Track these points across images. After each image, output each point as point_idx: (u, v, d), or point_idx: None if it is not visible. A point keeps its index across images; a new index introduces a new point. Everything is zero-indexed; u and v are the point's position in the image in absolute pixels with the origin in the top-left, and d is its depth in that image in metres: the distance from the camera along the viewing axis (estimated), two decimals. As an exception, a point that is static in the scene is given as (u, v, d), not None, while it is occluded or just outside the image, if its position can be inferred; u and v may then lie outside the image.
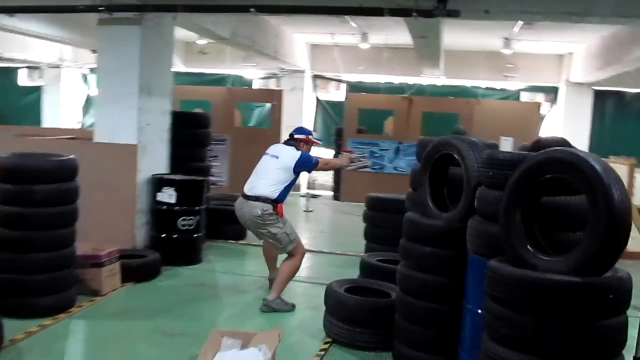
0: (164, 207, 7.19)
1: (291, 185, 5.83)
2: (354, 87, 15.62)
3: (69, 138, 8.30)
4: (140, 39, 7.05)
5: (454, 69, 14.63)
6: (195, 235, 7.35)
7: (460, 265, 4.13)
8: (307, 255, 7.66)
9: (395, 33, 12.63)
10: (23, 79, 17.61)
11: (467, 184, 4.23)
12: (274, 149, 6.06)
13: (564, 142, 4.93)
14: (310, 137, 6.13)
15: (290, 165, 5.73)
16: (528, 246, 3.19)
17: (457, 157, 4.36)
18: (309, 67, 15.43)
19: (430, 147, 4.62)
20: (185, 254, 7.28)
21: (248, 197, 5.70)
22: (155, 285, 6.41)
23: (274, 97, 13.80)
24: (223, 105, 13.99)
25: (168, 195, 7.16)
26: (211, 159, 12.35)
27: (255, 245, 8.56)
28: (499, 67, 14.60)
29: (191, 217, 7.25)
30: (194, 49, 16.01)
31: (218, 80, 15.89)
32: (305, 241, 9.21)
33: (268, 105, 15.08)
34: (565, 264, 2.99)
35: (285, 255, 6.03)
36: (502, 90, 15.48)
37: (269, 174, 5.74)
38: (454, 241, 4.21)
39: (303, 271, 7.18)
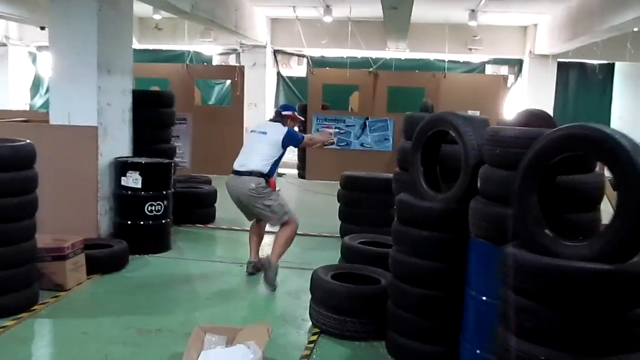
0: (129, 192, 6.74)
1: (279, 160, 6.01)
2: (316, 62, 15.24)
3: (22, 121, 7.74)
4: (97, 13, 6.53)
5: (418, 42, 14.39)
6: (163, 221, 6.93)
7: (459, 249, 3.88)
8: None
9: (359, 5, 12.31)
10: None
11: (466, 163, 3.97)
12: (260, 126, 6.28)
13: (549, 117, 4.75)
14: (295, 114, 6.33)
15: (278, 140, 5.91)
16: (547, 231, 2.94)
17: (453, 134, 4.09)
18: (269, 42, 14.96)
19: (422, 124, 4.33)
20: (153, 241, 6.87)
21: (240, 173, 5.82)
22: (123, 277, 6.00)
23: (235, 73, 13.33)
24: (181, 83, 13.46)
25: (133, 180, 6.72)
26: (172, 138, 11.96)
27: (224, 229, 8.23)
28: (464, 40, 14.43)
29: (159, 203, 6.83)
30: (148, 25, 15.37)
31: (175, 57, 15.31)
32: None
33: (228, 82, 14.62)
34: (589, 249, 2.76)
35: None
36: (465, 63, 15.34)
37: (258, 149, 5.88)
38: (452, 224, 3.96)
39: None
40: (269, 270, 5.79)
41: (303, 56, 15.63)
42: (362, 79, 13.37)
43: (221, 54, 15.85)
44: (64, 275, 5.46)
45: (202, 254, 7.06)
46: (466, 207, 3.76)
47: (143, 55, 15.85)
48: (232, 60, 15.61)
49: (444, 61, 14.62)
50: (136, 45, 15.47)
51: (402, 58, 15.18)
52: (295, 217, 6.06)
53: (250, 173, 5.77)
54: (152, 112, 7.69)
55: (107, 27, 6.74)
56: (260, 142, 5.93)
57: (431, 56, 15.13)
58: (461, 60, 15.24)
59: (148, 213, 6.76)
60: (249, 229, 6.48)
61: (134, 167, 6.73)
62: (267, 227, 6.47)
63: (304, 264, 6.65)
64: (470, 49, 14.50)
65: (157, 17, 13.62)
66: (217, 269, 6.50)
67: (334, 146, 13.43)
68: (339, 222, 7.88)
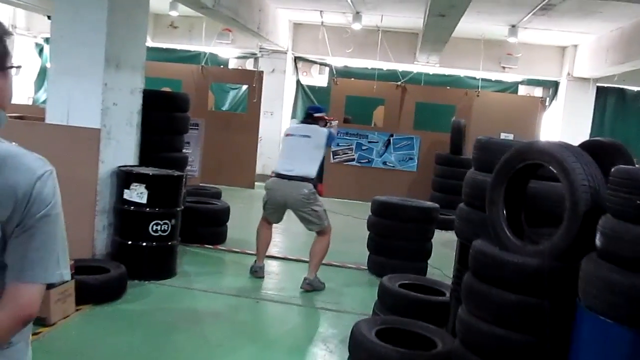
0: (132, 207, 5.81)
1: (323, 162, 6.33)
2: (339, 72, 14.33)
3: (15, 117, 6.83)
4: (108, 0, 5.64)
5: (450, 57, 13.45)
6: (169, 244, 6.00)
7: (559, 321, 2.97)
8: (300, 268, 6.54)
9: (393, 13, 11.44)
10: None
11: (573, 208, 3.03)
12: (299, 129, 6.24)
13: (621, 147, 3.84)
14: (325, 115, 6.49)
15: (323, 142, 6.06)
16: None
17: (555, 170, 3.16)
18: (291, 48, 14.08)
19: (510, 154, 3.39)
20: (156, 266, 5.94)
21: (291, 178, 5.85)
22: (119, 310, 5.05)
23: (254, 79, 12.44)
24: (195, 86, 12.60)
25: (138, 194, 5.79)
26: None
27: (235, 252, 7.30)
28: (497, 58, 13.51)
29: (166, 222, 5.90)
30: (164, 22, 14.52)
31: (189, 57, 14.42)
32: (293, 245, 8.05)
33: (244, 87, 13.73)
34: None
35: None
36: (498, 82, 14.41)
37: (306, 154, 5.95)
38: (551, 287, 3.03)
39: (297, 291, 5.99)
40: (313, 284, 5.98)
41: (325, 65, 14.74)
42: (388, 93, 12.48)
43: (238, 57, 14.95)
44: (47, 307, 4.53)
45: (211, 283, 6.12)
46: (571, 267, 2.86)
47: (156, 54, 14.92)
48: (249, 65, 14.72)
49: (475, 78, 13.71)
50: (149, 42, 14.63)
51: (432, 73, 14.27)
52: (330, 225, 6.12)
53: (302, 178, 5.83)
54: (163, 116, 6.78)
55: (119, 16, 5.85)
56: (306, 146, 5.97)
57: (462, 72, 14.21)
58: (493, 79, 14.32)
59: (152, 233, 5.83)
60: (258, 231, 6.32)
61: (140, 178, 5.81)
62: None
63: (332, 302, 5.77)
64: (504, 67, 13.59)
65: (173, 14, 12.76)
66: (229, 303, 5.56)
67: (354, 162, 12.65)
68: (365, 252, 6.96)
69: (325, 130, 6.15)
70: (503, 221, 3.42)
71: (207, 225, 7.45)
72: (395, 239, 6.63)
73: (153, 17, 14.42)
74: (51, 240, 1.55)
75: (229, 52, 14.81)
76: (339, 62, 14.48)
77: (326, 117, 6.47)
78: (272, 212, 6.18)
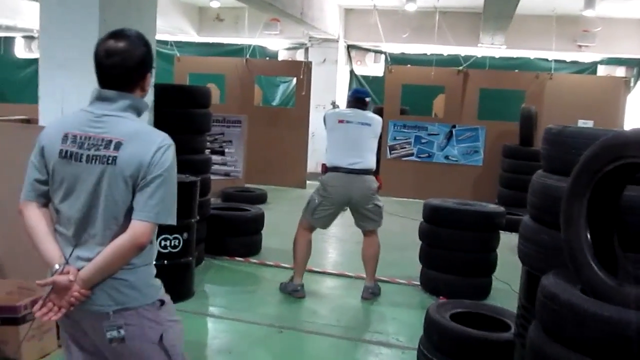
0: (138, 220, 5.01)
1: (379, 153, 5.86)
2: (395, 60, 13.24)
3: (22, 120, 6.14)
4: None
5: (518, 37, 12.13)
6: (182, 261, 5.16)
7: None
8: (340, 283, 5.61)
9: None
10: (20, 50, 15.63)
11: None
12: (356, 115, 5.49)
13: None
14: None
15: (379, 130, 5.61)
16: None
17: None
18: (342, 36, 13.07)
19: (596, 149, 2.31)
20: (167, 287, 5.09)
21: (358, 172, 5.31)
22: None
23: (301, 70, 11.51)
24: (240, 80, 11.81)
25: (142, 205, 4.97)
26: (224, 144, 10.29)
27: (269, 265, 6.40)
28: (572, 35, 12.06)
29: (176, 236, 5.06)
30: (208, 15, 13.82)
31: (237, 51, 13.65)
32: (339, 259, 7.10)
33: (295, 80, 12.85)
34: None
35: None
36: (573, 63, 12.94)
37: (368, 144, 5.44)
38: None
39: (332, 317, 5.04)
40: (375, 291, 5.56)
41: (381, 52, 13.66)
42: (448, 80, 11.27)
43: (288, 48, 14.09)
44: (15, 345, 3.76)
45: (235, 307, 5.20)
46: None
47: (202, 49, 14.36)
48: (299, 56, 13.82)
49: (547, 60, 12.31)
50: (195, 37, 14.05)
51: (497, 56, 12.96)
52: None
53: (367, 171, 5.37)
54: (180, 114, 5.92)
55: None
56: (367, 135, 5.43)
57: (532, 54, 12.83)
58: (568, 60, 12.86)
59: (161, 250, 4.99)
60: (296, 242, 5.51)
61: (144, 187, 4.99)
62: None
63: (376, 332, 4.80)
64: (580, 46, 12.13)
65: (214, 5, 12.01)
66: (255, 335, 4.63)
67: (413, 157, 11.55)
68: (419, 264, 5.93)
69: (379, 118, 5.66)
70: (586, 247, 2.34)
71: (237, 235, 6.59)
72: (452, 251, 5.55)
73: (197, 10, 13.79)
74: (162, 194, 2.14)
75: (278, 43, 13.97)
76: (394, 48, 13.38)
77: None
78: (326, 216, 5.43)
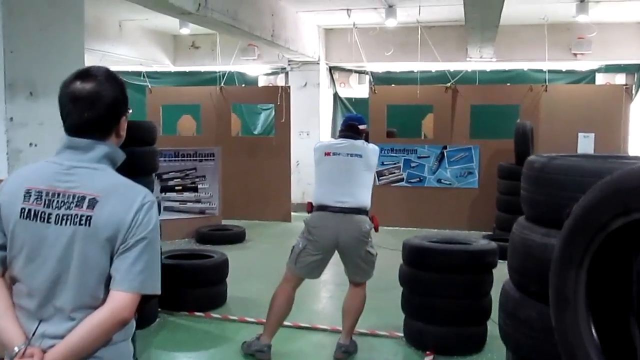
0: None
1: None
2: (380, 79, 12.50)
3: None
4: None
5: (508, 49, 11.43)
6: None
7: None
8: (314, 339, 4.84)
9: (431, 2, 9.58)
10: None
11: None
12: (343, 146, 4.79)
13: None
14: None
15: (375, 163, 4.91)
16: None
17: None
18: (323, 57, 12.37)
19: (594, 196, 1.53)
20: None
21: (347, 211, 4.56)
22: None
23: (278, 95, 10.80)
24: (215, 110, 11.12)
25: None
26: (196, 180, 9.56)
27: (233, 320, 5.60)
28: (566, 43, 11.34)
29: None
30: (184, 44, 13.18)
31: (214, 79, 12.95)
32: (315, 306, 6.16)
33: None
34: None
35: None
36: (569, 72, 12.16)
37: (360, 178, 4.70)
38: None
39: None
40: (350, 350, 4.76)
41: (365, 73, 12.95)
42: (437, 98, 10.53)
43: (268, 74, 13.41)
44: None
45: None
46: None
47: (179, 79, 13.70)
48: (280, 81, 13.13)
49: (541, 71, 11.55)
50: (171, 67, 13.38)
51: (488, 70, 12.21)
52: None
53: (359, 210, 4.60)
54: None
55: (27, 25, 4.31)
56: (359, 168, 4.71)
57: (525, 65, 12.09)
58: (563, 69, 12.09)
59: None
60: (275, 296, 4.68)
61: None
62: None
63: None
64: (576, 54, 11.39)
65: (184, 32, 11.32)
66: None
67: (403, 183, 10.78)
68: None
69: (375, 147, 4.93)
70: (589, 342, 1.56)
71: (196, 287, 5.79)
72: (438, 297, 4.74)
73: (172, 38, 13.14)
74: (146, 260, 1.86)
75: (257, 68, 13.29)
76: (379, 67, 12.66)
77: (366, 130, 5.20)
78: (312, 262, 4.63)
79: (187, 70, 13.58)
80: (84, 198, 1.85)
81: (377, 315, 5.50)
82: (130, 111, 2.06)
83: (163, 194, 8.96)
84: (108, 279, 1.86)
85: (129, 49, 11.74)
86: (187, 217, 9.29)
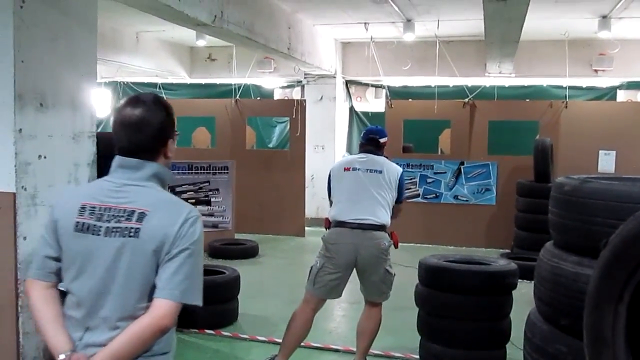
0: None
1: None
2: (396, 94, 12.39)
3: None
4: (14, 11, 4.03)
5: (527, 64, 11.28)
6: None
7: None
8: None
9: (450, 16, 9.46)
10: None
11: None
12: (363, 161, 4.68)
13: None
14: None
15: (395, 181, 4.65)
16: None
17: None
18: (340, 71, 12.28)
19: (636, 226, 1.39)
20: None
21: (366, 227, 4.42)
22: None
23: (293, 109, 10.71)
24: (230, 122, 11.05)
25: (71, 281, 4.10)
26: (210, 193, 9.47)
27: (244, 339, 5.46)
28: (587, 59, 11.16)
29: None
30: (200, 56, 13.15)
31: (230, 92, 12.91)
32: (328, 324, 5.97)
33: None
34: None
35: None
36: (590, 89, 11.99)
37: (379, 194, 4.55)
38: None
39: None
40: None
41: (381, 87, 12.84)
42: (454, 113, 10.40)
43: (283, 87, 13.34)
44: None
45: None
46: None
47: (194, 91, 13.65)
48: (296, 94, 13.05)
49: (562, 87, 11.37)
50: (187, 79, 13.35)
51: (507, 85, 12.06)
52: None
53: (378, 227, 4.46)
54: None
55: (39, 34, 4.24)
56: (378, 184, 4.56)
57: (544, 81, 11.92)
58: (584, 86, 11.91)
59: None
60: (293, 317, 4.53)
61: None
62: None
63: None
64: (597, 71, 11.20)
65: (200, 44, 11.31)
66: None
67: (419, 199, 10.61)
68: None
69: (397, 167, 4.75)
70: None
71: (206, 304, 5.64)
72: (455, 320, 4.58)
73: (189, 51, 13.13)
74: (188, 270, 1.96)
75: (274, 81, 13.22)
76: (396, 82, 12.55)
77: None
78: (330, 281, 4.47)
79: (203, 83, 13.54)
80: (133, 212, 1.98)
81: (392, 335, 5.35)
82: (178, 133, 2.18)
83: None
84: (152, 290, 1.95)
85: (146, 60, 11.73)
86: (200, 231, 9.18)
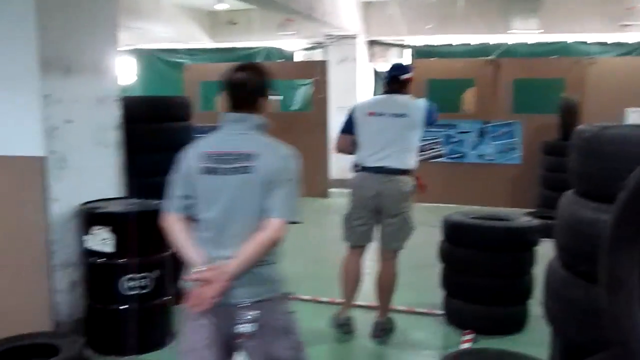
0: (98, 259, 4.25)
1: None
2: (420, 53, 12.25)
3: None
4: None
5: (552, 20, 11.02)
6: (155, 303, 4.38)
7: None
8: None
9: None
10: None
11: None
12: (387, 104, 4.59)
13: None
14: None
15: (421, 119, 4.56)
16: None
17: None
18: (362, 31, 12.16)
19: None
20: (139, 334, 4.31)
21: (389, 171, 4.44)
22: None
23: (315, 71, 10.66)
24: (251, 86, 10.99)
25: (100, 240, 4.21)
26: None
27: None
28: (613, 14, 10.88)
29: (144, 275, 4.28)
30: (220, 20, 13.09)
31: (251, 55, 12.91)
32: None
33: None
34: None
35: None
36: (616, 45, 11.71)
37: (402, 139, 4.50)
38: None
39: None
40: (387, 327, 4.65)
41: (404, 46, 12.69)
42: (478, 71, 10.25)
43: (306, 49, 13.26)
44: None
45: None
46: None
47: (216, 55, 13.63)
48: (318, 56, 12.97)
49: (587, 43, 11.14)
50: (208, 44, 13.34)
51: (530, 42, 11.84)
52: None
53: (402, 172, 4.48)
54: (154, 130, 5.17)
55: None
56: (403, 128, 4.49)
57: (569, 38, 11.68)
58: (610, 42, 11.66)
59: (127, 292, 4.23)
60: (343, 271, 4.72)
61: (102, 219, 4.22)
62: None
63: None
64: (624, 26, 10.93)
65: (221, 7, 11.28)
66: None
67: (442, 159, 10.58)
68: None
69: (422, 103, 4.65)
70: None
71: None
72: (477, 276, 4.62)
73: (209, 15, 13.08)
74: (289, 195, 2.52)
75: (295, 44, 13.16)
76: (418, 41, 12.40)
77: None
78: (359, 226, 4.59)
79: (225, 47, 13.52)
80: (246, 154, 2.49)
81: (415, 292, 5.41)
82: (271, 95, 2.68)
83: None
84: (263, 211, 2.47)
85: (166, 26, 11.74)
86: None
